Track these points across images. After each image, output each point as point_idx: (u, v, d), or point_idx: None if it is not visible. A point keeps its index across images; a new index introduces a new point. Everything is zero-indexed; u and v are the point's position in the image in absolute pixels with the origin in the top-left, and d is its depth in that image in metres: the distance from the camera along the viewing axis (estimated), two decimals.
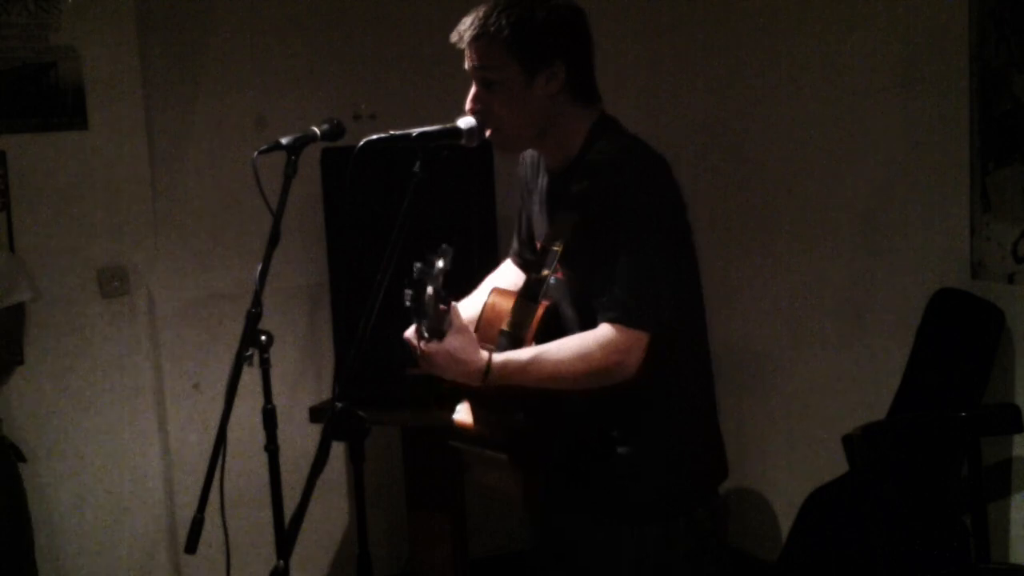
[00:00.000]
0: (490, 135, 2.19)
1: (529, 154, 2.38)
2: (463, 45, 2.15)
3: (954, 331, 3.28)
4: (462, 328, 2.07)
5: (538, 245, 2.30)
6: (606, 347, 2.06)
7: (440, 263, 1.93)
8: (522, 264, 2.45)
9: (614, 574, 2.21)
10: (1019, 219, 3.12)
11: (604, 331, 2.08)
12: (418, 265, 1.94)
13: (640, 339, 2.07)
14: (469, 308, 2.31)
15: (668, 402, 2.20)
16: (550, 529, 2.34)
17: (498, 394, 2.11)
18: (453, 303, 2.06)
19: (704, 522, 2.25)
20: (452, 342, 2.04)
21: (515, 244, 2.50)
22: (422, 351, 2.05)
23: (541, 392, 2.10)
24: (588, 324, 2.13)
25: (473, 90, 2.17)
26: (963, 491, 2.98)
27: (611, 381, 2.09)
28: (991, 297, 3.20)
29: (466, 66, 2.18)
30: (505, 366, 2.05)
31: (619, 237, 2.10)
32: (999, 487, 3.16)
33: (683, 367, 2.22)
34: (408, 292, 1.94)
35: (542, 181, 2.31)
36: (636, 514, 2.19)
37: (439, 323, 2.01)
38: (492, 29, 2.10)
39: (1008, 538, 3.18)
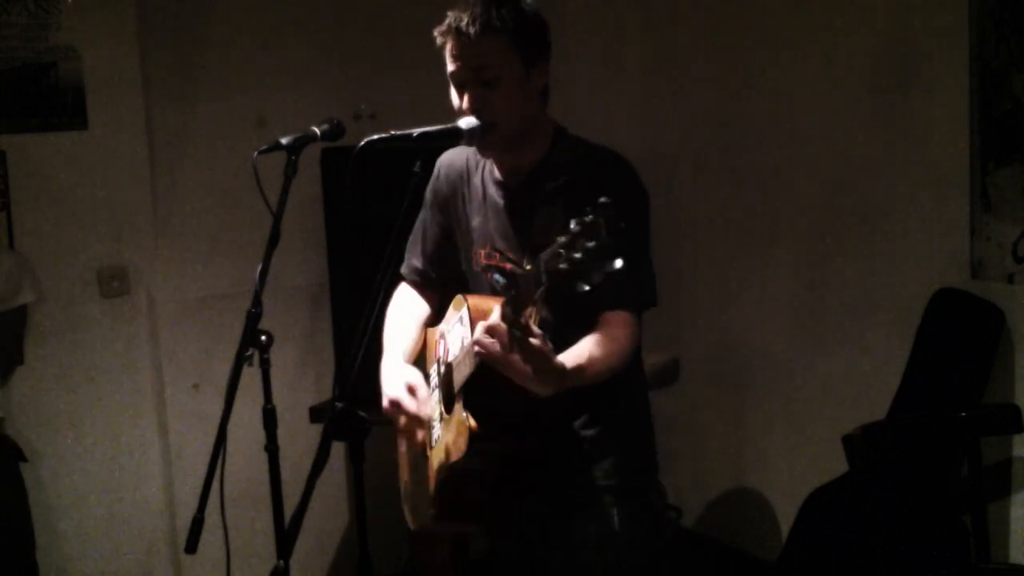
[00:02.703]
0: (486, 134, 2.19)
1: (446, 165, 2.38)
2: (459, 39, 2.13)
3: (954, 331, 3.28)
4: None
5: (482, 252, 2.28)
6: (617, 338, 2.10)
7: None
8: (421, 284, 2.45)
9: (580, 556, 2.23)
10: (1019, 219, 3.12)
11: (611, 322, 2.10)
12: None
13: (637, 324, 2.13)
14: (402, 346, 2.34)
15: (629, 386, 2.26)
16: (514, 520, 2.33)
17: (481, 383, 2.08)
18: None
19: (655, 505, 2.32)
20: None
21: (416, 264, 2.45)
22: (531, 345, 1.92)
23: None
24: (566, 324, 2.12)
25: (469, 92, 2.15)
26: (963, 491, 2.98)
27: (620, 370, 2.11)
28: (991, 297, 3.20)
29: (451, 68, 2.16)
30: (577, 368, 2.01)
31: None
32: (999, 487, 3.17)
33: (638, 354, 2.27)
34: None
35: (484, 189, 2.29)
36: (599, 495, 2.23)
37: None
38: (497, 23, 2.11)
39: (1008, 538, 3.18)
